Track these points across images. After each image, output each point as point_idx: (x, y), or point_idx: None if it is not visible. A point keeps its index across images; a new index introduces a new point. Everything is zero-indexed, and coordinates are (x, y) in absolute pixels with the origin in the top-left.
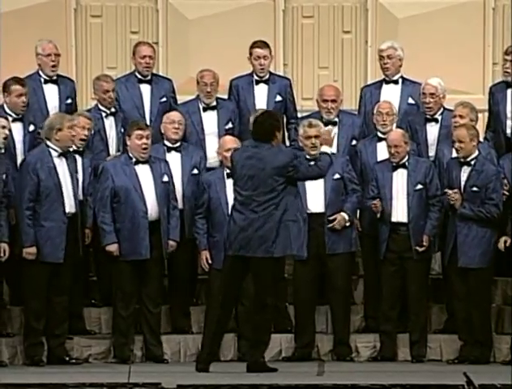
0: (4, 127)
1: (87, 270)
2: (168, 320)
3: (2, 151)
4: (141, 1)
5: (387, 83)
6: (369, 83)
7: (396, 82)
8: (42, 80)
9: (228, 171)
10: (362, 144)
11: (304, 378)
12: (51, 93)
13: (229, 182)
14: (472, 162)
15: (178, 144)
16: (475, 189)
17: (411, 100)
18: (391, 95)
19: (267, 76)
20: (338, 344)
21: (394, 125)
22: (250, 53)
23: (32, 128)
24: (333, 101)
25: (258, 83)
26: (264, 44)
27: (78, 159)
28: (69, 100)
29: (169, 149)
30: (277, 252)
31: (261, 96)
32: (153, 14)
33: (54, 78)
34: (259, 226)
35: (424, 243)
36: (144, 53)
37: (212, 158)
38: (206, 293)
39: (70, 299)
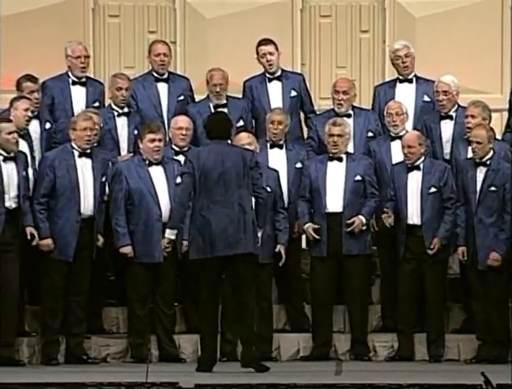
0: None
1: (106, 269)
2: (186, 319)
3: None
4: (159, 0)
5: (401, 81)
6: (382, 81)
7: (410, 80)
8: (70, 81)
9: None
10: (376, 143)
11: (321, 378)
12: (78, 95)
13: None
14: (488, 162)
15: (186, 148)
16: (492, 188)
17: (426, 98)
18: (406, 93)
19: (279, 73)
20: (355, 344)
21: (408, 124)
22: (257, 53)
23: (48, 126)
24: (344, 93)
25: (270, 80)
26: (268, 42)
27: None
28: (96, 103)
29: (177, 152)
30: (255, 247)
31: (275, 94)
32: (171, 13)
33: (83, 80)
34: (238, 223)
35: (431, 247)
36: (159, 51)
37: None
38: None
39: (89, 299)
